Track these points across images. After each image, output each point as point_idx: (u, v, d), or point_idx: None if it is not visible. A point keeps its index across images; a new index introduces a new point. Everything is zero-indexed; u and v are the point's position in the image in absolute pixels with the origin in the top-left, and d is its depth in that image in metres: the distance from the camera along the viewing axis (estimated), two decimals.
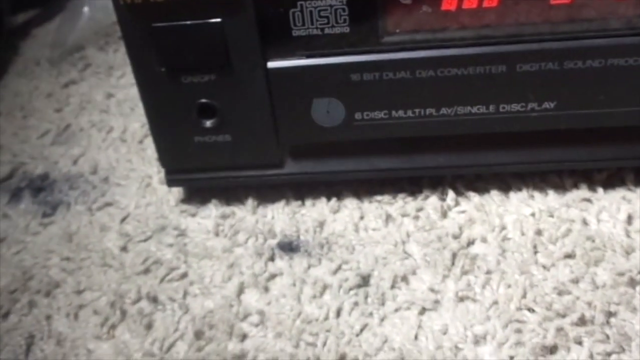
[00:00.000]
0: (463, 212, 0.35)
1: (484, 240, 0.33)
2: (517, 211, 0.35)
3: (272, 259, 0.34)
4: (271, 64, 0.32)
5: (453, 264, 0.32)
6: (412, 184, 0.37)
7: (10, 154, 0.45)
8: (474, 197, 0.36)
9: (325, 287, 0.32)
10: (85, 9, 0.57)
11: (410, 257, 0.33)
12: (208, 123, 0.34)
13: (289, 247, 0.34)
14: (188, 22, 0.31)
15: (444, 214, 0.35)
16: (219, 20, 0.31)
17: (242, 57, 0.32)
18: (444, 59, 0.31)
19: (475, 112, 0.33)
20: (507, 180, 0.36)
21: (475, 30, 0.31)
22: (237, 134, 0.34)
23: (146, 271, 0.34)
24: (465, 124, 0.33)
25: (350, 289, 0.32)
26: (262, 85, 0.33)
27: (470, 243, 0.33)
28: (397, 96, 0.32)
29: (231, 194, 0.38)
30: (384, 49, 0.31)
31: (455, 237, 0.34)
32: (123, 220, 0.38)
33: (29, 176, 0.43)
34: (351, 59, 0.32)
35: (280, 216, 0.36)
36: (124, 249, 0.36)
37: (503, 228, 0.34)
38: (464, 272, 0.32)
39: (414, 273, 0.32)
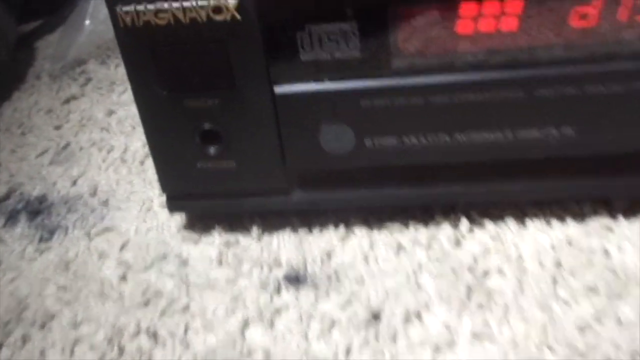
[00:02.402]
0: (477, 241, 0.34)
1: (500, 272, 0.32)
2: (535, 241, 0.33)
3: (277, 291, 0.33)
4: (278, 89, 0.31)
5: (468, 298, 0.31)
6: (423, 210, 0.36)
7: (7, 173, 0.44)
8: (489, 226, 0.34)
9: (333, 323, 0.30)
10: (87, 22, 0.56)
11: (423, 290, 0.32)
12: (212, 149, 0.33)
13: (295, 279, 0.33)
14: (191, 45, 0.29)
15: (458, 243, 0.34)
16: (222, 42, 0.29)
17: (248, 81, 0.30)
18: (458, 84, 0.30)
19: (490, 139, 0.31)
20: (523, 208, 0.35)
21: (491, 54, 0.29)
22: (242, 160, 0.33)
23: (146, 303, 0.33)
24: (480, 150, 0.32)
25: (360, 325, 0.30)
26: (269, 111, 0.31)
27: (486, 275, 0.32)
28: (409, 122, 0.31)
29: (235, 220, 0.36)
30: (396, 73, 0.30)
31: (470, 269, 0.32)
32: (123, 247, 0.36)
33: (26, 197, 0.41)
34: (361, 84, 0.30)
35: (287, 245, 0.35)
36: (123, 278, 0.34)
37: (520, 259, 0.32)
38: (480, 307, 0.30)
39: (427, 308, 0.31)
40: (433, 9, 0.28)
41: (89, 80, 0.52)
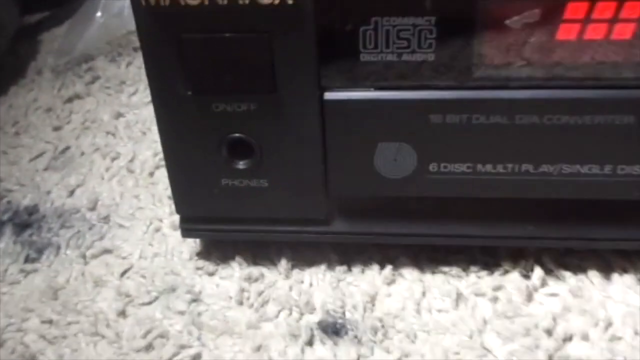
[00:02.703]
0: (554, 295, 0.28)
1: (585, 337, 0.26)
2: (625, 300, 0.27)
3: (310, 343, 0.27)
4: (329, 95, 0.25)
5: None
6: (485, 253, 0.30)
7: None
8: (568, 278, 0.28)
9: None
10: (98, 14, 0.50)
11: (491, 353, 0.26)
12: (241, 164, 0.27)
13: (332, 329, 0.27)
14: (226, 35, 0.24)
15: (530, 297, 0.28)
16: (266, 34, 0.24)
17: (293, 84, 0.25)
18: (554, 102, 0.24)
19: (585, 173, 0.25)
20: (606, 258, 0.29)
21: (598, 67, 0.24)
22: (277, 179, 0.27)
23: (148, 347, 0.27)
24: (569, 186, 0.26)
25: None
26: (315, 121, 0.25)
27: (567, 339, 0.26)
28: (487, 146, 0.25)
29: (259, 250, 0.31)
30: (478, 85, 0.24)
31: (548, 331, 0.26)
32: (123, 274, 0.30)
33: (14, 207, 0.36)
34: (433, 95, 0.24)
35: (321, 284, 0.29)
36: (122, 313, 0.28)
37: (609, 323, 0.26)
38: None
39: None
40: (532, 7, 0.23)
41: (96, 78, 0.47)
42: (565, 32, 0.23)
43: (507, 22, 0.23)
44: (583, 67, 0.24)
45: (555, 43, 0.23)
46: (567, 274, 0.28)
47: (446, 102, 0.24)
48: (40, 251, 0.32)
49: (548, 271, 0.29)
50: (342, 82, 0.25)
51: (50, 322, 0.28)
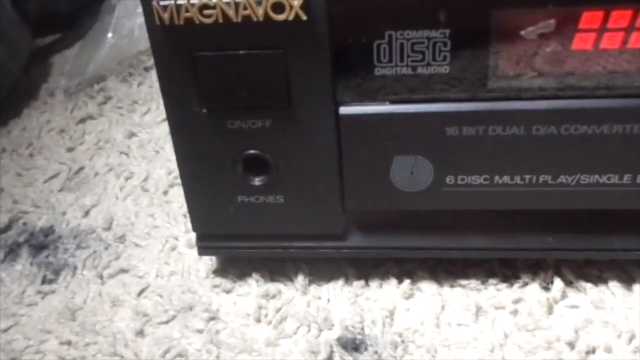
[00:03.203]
0: (575, 307, 0.27)
1: (608, 349, 0.26)
2: None
3: (330, 359, 0.26)
4: (344, 110, 0.25)
5: None
6: (504, 265, 0.29)
7: (10, 199, 0.38)
8: (589, 289, 0.28)
9: None
10: (109, 35, 0.50)
11: None
12: (257, 180, 0.27)
13: (352, 345, 0.27)
14: (241, 52, 0.24)
15: (550, 309, 0.27)
16: (280, 50, 0.24)
17: (308, 99, 0.25)
18: (571, 112, 0.24)
19: (604, 183, 0.25)
20: (627, 268, 0.29)
21: (615, 77, 0.23)
22: (293, 195, 0.27)
23: None
24: (588, 196, 0.26)
25: None
26: (330, 136, 0.25)
27: (590, 352, 0.26)
28: (504, 158, 0.25)
29: (276, 267, 0.30)
30: (493, 96, 0.24)
31: (571, 344, 0.26)
32: (140, 293, 0.30)
33: (30, 229, 0.36)
34: (449, 107, 0.24)
35: (339, 300, 0.29)
36: (140, 333, 0.28)
37: (632, 335, 0.26)
38: None
39: None
40: (547, 18, 0.23)
41: (108, 98, 0.47)
42: (581, 42, 0.23)
43: (522, 33, 0.23)
44: (599, 77, 0.23)
45: (570, 53, 0.23)
46: (588, 286, 0.28)
47: (462, 114, 0.24)
48: (57, 272, 0.32)
49: (568, 283, 0.28)
50: (357, 97, 0.25)
51: (69, 343, 0.28)
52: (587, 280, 0.28)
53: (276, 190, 0.27)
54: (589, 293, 0.28)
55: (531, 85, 0.24)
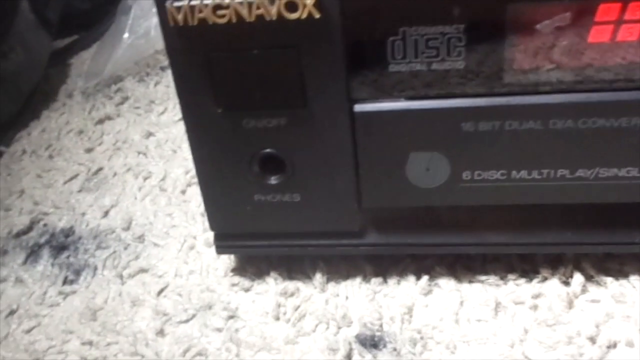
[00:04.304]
0: (595, 302, 0.27)
1: (630, 344, 0.25)
2: None
3: (349, 356, 0.26)
4: (359, 107, 0.25)
5: None
6: (523, 260, 0.29)
7: (31, 201, 0.38)
8: (610, 283, 0.28)
9: None
10: (125, 35, 0.51)
11: None
12: (273, 179, 0.27)
13: (370, 342, 0.27)
14: (255, 51, 0.24)
15: (571, 304, 0.27)
16: (294, 48, 0.24)
17: (322, 98, 0.25)
18: (587, 106, 0.24)
19: (622, 176, 0.25)
20: None
21: (633, 69, 0.23)
22: (309, 193, 0.27)
23: None
24: (607, 190, 0.25)
25: None
26: (346, 134, 0.25)
27: (612, 347, 0.25)
28: (521, 152, 0.25)
29: (293, 265, 0.30)
30: (509, 91, 0.24)
31: (592, 338, 0.26)
32: (160, 292, 0.31)
33: (50, 230, 0.36)
34: (464, 103, 0.24)
35: (357, 297, 0.29)
36: (160, 332, 0.28)
37: None
38: None
39: None
40: (563, 11, 0.22)
41: (125, 99, 0.47)
42: (597, 35, 0.23)
43: (538, 26, 0.23)
44: (616, 69, 0.23)
45: (587, 46, 0.23)
46: (609, 280, 0.28)
47: (478, 109, 0.24)
48: (77, 273, 0.33)
49: (588, 277, 0.28)
50: (372, 94, 0.25)
51: (91, 343, 0.28)
52: (608, 274, 0.28)
53: (292, 189, 0.27)
54: (610, 287, 0.27)
55: (547, 79, 0.24)
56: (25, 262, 0.34)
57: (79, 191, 0.39)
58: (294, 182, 0.27)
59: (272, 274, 0.30)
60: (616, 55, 0.23)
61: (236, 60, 0.24)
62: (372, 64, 0.24)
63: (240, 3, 0.23)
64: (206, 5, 0.23)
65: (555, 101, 0.24)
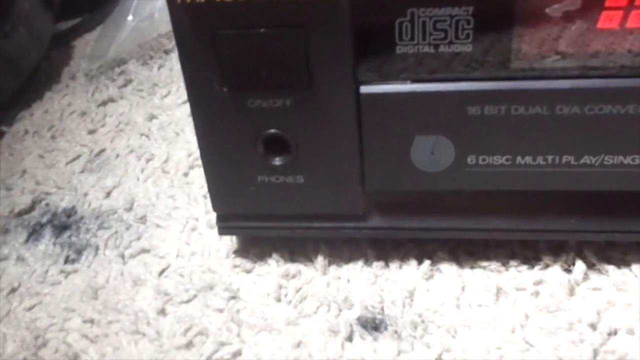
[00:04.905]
0: (597, 289, 0.27)
1: (630, 332, 0.25)
2: None
3: (350, 338, 0.26)
4: (365, 89, 0.25)
5: None
6: (525, 247, 0.29)
7: (33, 180, 0.38)
8: (612, 271, 0.28)
9: None
10: (129, 18, 0.51)
11: (534, 348, 0.25)
12: (277, 160, 0.27)
13: (372, 324, 0.27)
14: (262, 30, 0.24)
15: (572, 292, 0.27)
16: (301, 28, 0.24)
17: (328, 78, 0.25)
18: (595, 92, 0.24)
19: (628, 164, 0.25)
20: None
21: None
22: (313, 175, 0.27)
23: (188, 345, 0.27)
24: (612, 178, 0.25)
25: None
26: (351, 116, 0.25)
27: (612, 334, 0.25)
28: (526, 138, 0.25)
29: (296, 247, 0.30)
30: (516, 75, 0.24)
31: (593, 325, 0.26)
32: (162, 272, 0.31)
33: (52, 209, 0.36)
34: (471, 86, 0.24)
35: (359, 280, 0.29)
36: (161, 312, 0.28)
37: None
38: None
39: None
40: None
41: (128, 81, 0.47)
42: (607, 20, 0.23)
43: (547, 10, 0.22)
44: (625, 56, 0.23)
45: (596, 31, 0.23)
46: (610, 268, 0.28)
47: (484, 93, 0.24)
48: (79, 252, 0.32)
49: (590, 265, 0.28)
50: (378, 75, 0.24)
51: (92, 321, 0.28)
52: (610, 262, 0.28)
53: (296, 170, 0.27)
54: (612, 275, 0.28)
55: (555, 64, 0.24)
56: (27, 241, 0.34)
57: (81, 172, 0.39)
58: (298, 164, 0.27)
59: (274, 256, 0.30)
60: (625, 41, 0.23)
61: (243, 38, 0.24)
62: (380, 46, 0.24)
63: None
64: None
65: (562, 87, 0.24)
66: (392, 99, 0.25)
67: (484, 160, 0.26)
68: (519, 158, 0.25)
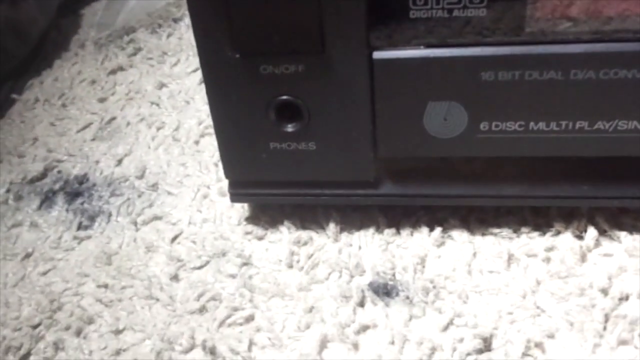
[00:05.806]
0: (608, 255, 0.27)
1: None
2: None
3: (362, 304, 0.27)
4: (378, 54, 0.25)
5: (605, 328, 0.24)
6: (536, 214, 0.29)
7: (44, 148, 0.39)
8: (624, 237, 0.28)
9: (434, 349, 0.24)
10: None
11: (545, 313, 0.25)
12: (289, 127, 0.27)
13: (383, 290, 0.27)
14: None
15: (584, 258, 0.27)
16: None
17: (341, 43, 0.24)
18: (610, 56, 0.23)
19: None
20: None
21: None
22: (325, 142, 0.27)
23: (202, 310, 0.27)
24: (626, 143, 0.25)
25: (469, 354, 0.24)
26: (364, 82, 0.25)
27: (623, 299, 0.26)
28: (540, 103, 0.25)
29: (307, 214, 0.31)
30: (531, 40, 0.24)
31: (604, 290, 0.26)
32: (174, 239, 0.31)
33: (64, 177, 0.36)
34: (485, 51, 0.24)
35: (370, 247, 0.29)
36: (174, 277, 0.29)
37: None
38: (621, 343, 0.24)
39: (551, 337, 0.25)
40: None
41: (138, 50, 0.47)
42: None
43: None
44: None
45: None
46: (622, 234, 0.28)
47: (498, 58, 0.24)
48: (92, 219, 0.33)
49: (602, 231, 0.28)
50: (392, 41, 0.24)
51: (106, 286, 0.29)
52: (622, 228, 0.28)
53: (308, 137, 0.27)
54: (624, 241, 0.28)
55: (570, 29, 0.23)
56: (39, 208, 0.34)
57: (92, 140, 0.39)
58: (310, 130, 0.27)
59: (286, 222, 0.30)
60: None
61: (255, 2, 0.24)
62: (393, 10, 0.24)
63: None
64: None
65: (577, 51, 0.23)
66: (405, 65, 0.25)
67: (497, 126, 0.26)
68: (532, 124, 0.25)
